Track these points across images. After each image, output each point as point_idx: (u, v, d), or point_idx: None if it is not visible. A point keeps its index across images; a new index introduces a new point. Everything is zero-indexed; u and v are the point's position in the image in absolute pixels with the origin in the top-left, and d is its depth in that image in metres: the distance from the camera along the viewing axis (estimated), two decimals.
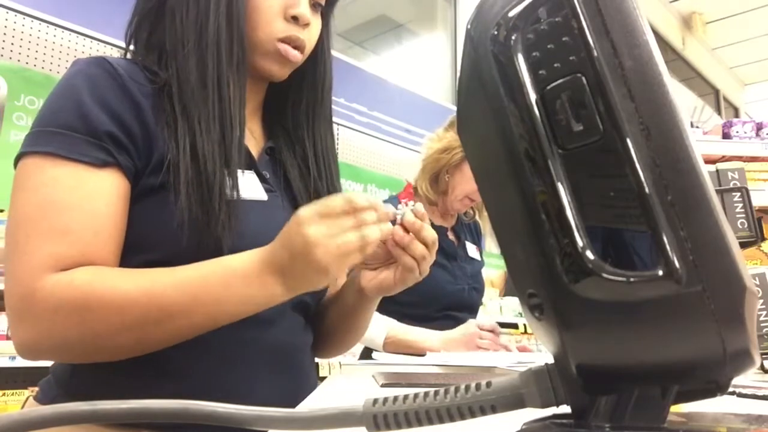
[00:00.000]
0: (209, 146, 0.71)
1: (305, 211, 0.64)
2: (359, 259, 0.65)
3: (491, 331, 1.48)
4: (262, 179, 0.81)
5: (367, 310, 0.87)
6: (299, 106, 0.89)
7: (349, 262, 0.65)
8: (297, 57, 0.81)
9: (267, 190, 0.80)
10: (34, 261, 0.62)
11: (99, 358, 0.65)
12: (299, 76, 0.87)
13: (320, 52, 0.88)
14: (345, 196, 0.65)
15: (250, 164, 0.80)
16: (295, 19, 0.79)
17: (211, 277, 0.64)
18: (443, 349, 1.47)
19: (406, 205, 0.75)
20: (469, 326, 1.49)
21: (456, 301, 1.68)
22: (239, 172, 0.76)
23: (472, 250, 1.79)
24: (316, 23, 0.84)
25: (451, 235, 1.76)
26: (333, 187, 0.88)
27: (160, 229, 0.68)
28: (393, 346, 1.49)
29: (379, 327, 1.51)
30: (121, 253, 0.69)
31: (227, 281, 0.64)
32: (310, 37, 0.83)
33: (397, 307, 1.52)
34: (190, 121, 0.71)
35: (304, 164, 0.88)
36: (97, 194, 0.66)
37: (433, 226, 1.76)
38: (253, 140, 0.85)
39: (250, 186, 0.78)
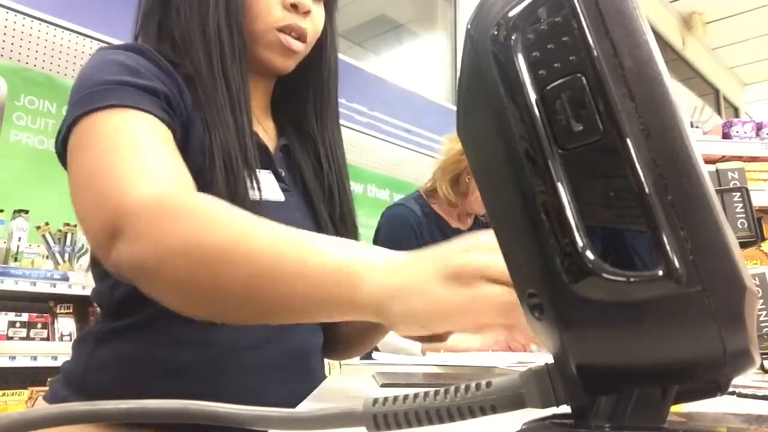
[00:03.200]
0: (231, 139, 0.69)
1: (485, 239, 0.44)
2: (487, 325, 0.43)
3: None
4: (278, 178, 0.80)
5: (385, 332, 0.86)
6: (306, 100, 0.88)
7: (481, 311, 0.42)
8: (299, 46, 0.80)
9: (283, 190, 0.79)
10: (119, 180, 0.55)
11: (160, 289, 0.54)
12: (304, 69, 0.86)
13: (324, 44, 0.87)
14: None
15: (268, 162, 0.80)
16: (294, 7, 0.78)
17: (297, 233, 0.50)
18: (481, 350, 1.48)
19: None
20: None
21: None
22: (259, 171, 0.75)
23: None
24: (318, 12, 0.83)
25: None
26: (341, 183, 0.87)
27: None
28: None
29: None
30: None
31: (308, 242, 0.50)
32: (313, 26, 0.81)
33: None
34: (212, 113, 0.70)
35: (316, 160, 0.87)
36: (167, 139, 0.62)
37: (450, 228, 1.76)
38: (268, 138, 0.84)
39: (267, 187, 0.77)
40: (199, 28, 0.74)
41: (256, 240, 0.49)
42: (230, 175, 0.67)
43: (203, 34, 0.74)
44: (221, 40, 0.74)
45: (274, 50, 0.79)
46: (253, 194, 0.70)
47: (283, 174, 0.81)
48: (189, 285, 0.52)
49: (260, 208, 0.70)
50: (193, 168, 0.64)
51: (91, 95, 0.62)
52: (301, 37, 0.80)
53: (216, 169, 0.67)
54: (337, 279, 0.46)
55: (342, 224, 0.85)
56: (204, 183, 0.64)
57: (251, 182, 0.70)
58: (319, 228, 0.82)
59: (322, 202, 0.84)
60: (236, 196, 0.67)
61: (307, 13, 0.79)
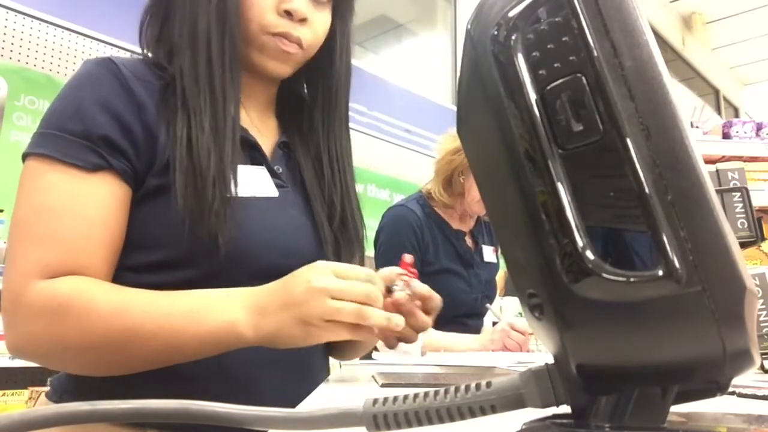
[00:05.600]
0: (203, 140, 0.70)
1: (322, 263, 0.62)
2: (346, 336, 0.61)
3: (521, 332, 1.50)
4: (273, 174, 0.79)
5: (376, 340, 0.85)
6: (314, 107, 0.86)
7: (332, 334, 0.61)
8: (295, 50, 0.77)
9: (278, 186, 0.78)
10: (23, 266, 0.64)
11: (69, 369, 0.67)
12: (311, 76, 0.85)
13: (335, 51, 0.84)
14: (370, 271, 0.64)
15: (261, 160, 0.79)
16: (288, 14, 0.76)
17: (180, 304, 0.62)
18: (480, 350, 1.51)
19: (405, 282, 0.69)
20: (501, 325, 1.51)
21: (468, 309, 1.68)
22: (249, 168, 0.75)
23: (488, 252, 1.79)
24: (319, 19, 0.80)
25: (468, 240, 1.75)
26: (347, 192, 0.86)
27: (164, 229, 0.69)
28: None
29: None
30: (127, 254, 0.70)
31: (192, 312, 0.62)
32: (312, 34, 0.79)
33: None
34: (187, 114, 0.71)
35: (318, 164, 0.85)
36: (90, 200, 0.66)
37: (451, 230, 1.77)
38: (266, 135, 0.83)
39: (259, 182, 0.76)
40: (190, 29, 0.74)
41: (148, 325, 0.62)
42: (198, 179, 0.68)
43: (192, 36, 0.74)
44: (209, 42, 0.73)
45: (267, 54, 0.78)
46: (228, 190, 0.70)
47: (280, 170, 0.81)
48: (94, 369, 0.66)
49: (242, 205, 0.71)
50: (161, 176, 0.69)
51: (40, 137, 0.68)
52: (296, 42, 0.77)
53: (176, 173, 0.68)
54: (225, 342, 0.63)
55: (342, 232, 0.84)
56: (167, 193, 0.68)
57: (226, 182, 0.70)
58: (314, 226, 0.81)
59: (320, 204, 0.83)
60: (202, 197, 0.67)
61: (303, 20, 0.77)
